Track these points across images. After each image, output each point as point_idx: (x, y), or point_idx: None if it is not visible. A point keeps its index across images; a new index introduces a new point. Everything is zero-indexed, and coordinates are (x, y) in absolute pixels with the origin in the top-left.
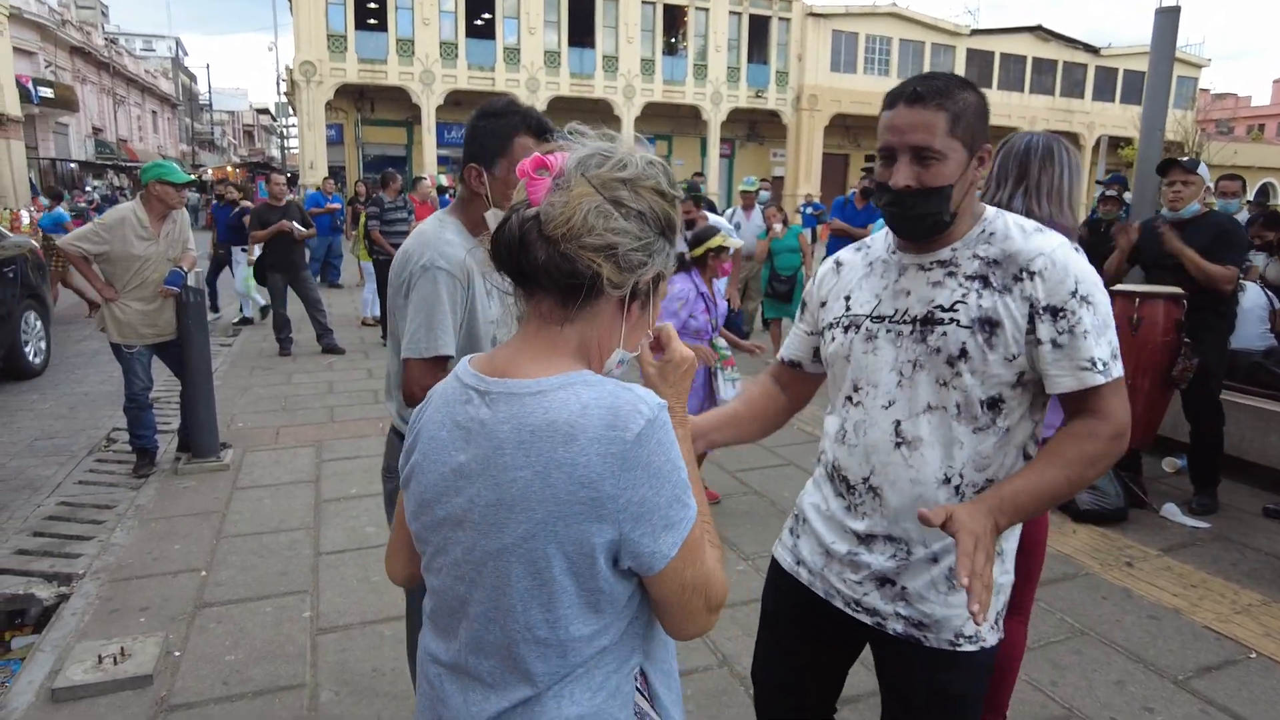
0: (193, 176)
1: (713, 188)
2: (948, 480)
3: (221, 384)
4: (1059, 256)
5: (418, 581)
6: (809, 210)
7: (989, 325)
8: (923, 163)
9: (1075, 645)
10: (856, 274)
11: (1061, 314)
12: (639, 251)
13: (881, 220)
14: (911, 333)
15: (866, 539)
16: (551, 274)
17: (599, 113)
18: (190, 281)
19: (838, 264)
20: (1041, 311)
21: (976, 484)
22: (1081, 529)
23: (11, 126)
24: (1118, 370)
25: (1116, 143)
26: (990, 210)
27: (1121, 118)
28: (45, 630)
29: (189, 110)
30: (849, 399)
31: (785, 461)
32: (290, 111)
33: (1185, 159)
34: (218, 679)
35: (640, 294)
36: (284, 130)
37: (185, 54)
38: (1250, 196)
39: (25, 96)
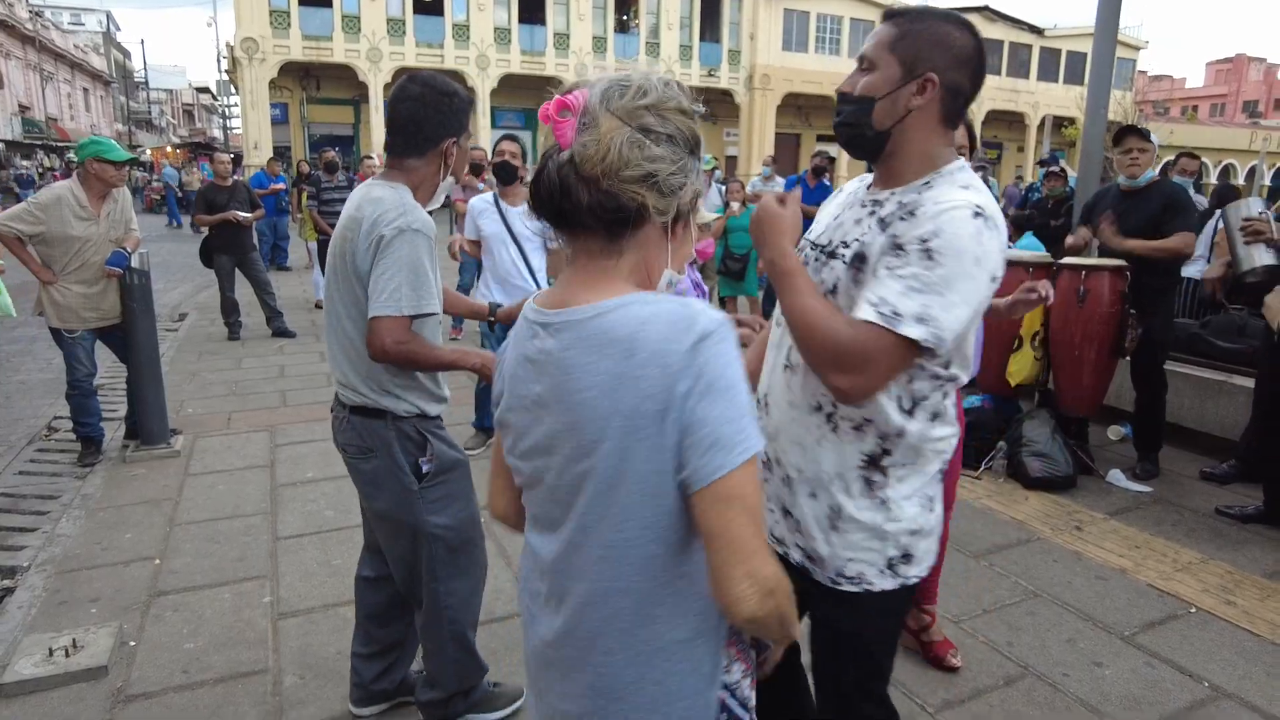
0: (131, 155)
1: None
2: (819, 408)
3: (169, 369)
4: (944, 208)
5: (519, 517)
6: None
7: (860, 260)
8: (861, 71)
9: (1029, 607)
10: (837, 201)
11: (898, 251)
12: (677, 174)
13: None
14: (817, 261)
15: (765, 462)
16: (597, 213)
17: (550, 90)
18: (134, 263)
19: (840, 190)
20: (890, 247)
21: (851, 419)
22: (1033, 496)
23: None
24: (907, 329)
25: (1060, 122)
26: (959, 167)
27: (1065, 98)
28: None
29: (124, 88)
30: (779, 319)
31: None
32: (232, 90)
33: (1140, 127)
34: (177, 667)
35: (682, 214)
36: (226, 110)
37: (117, 29)
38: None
39: None
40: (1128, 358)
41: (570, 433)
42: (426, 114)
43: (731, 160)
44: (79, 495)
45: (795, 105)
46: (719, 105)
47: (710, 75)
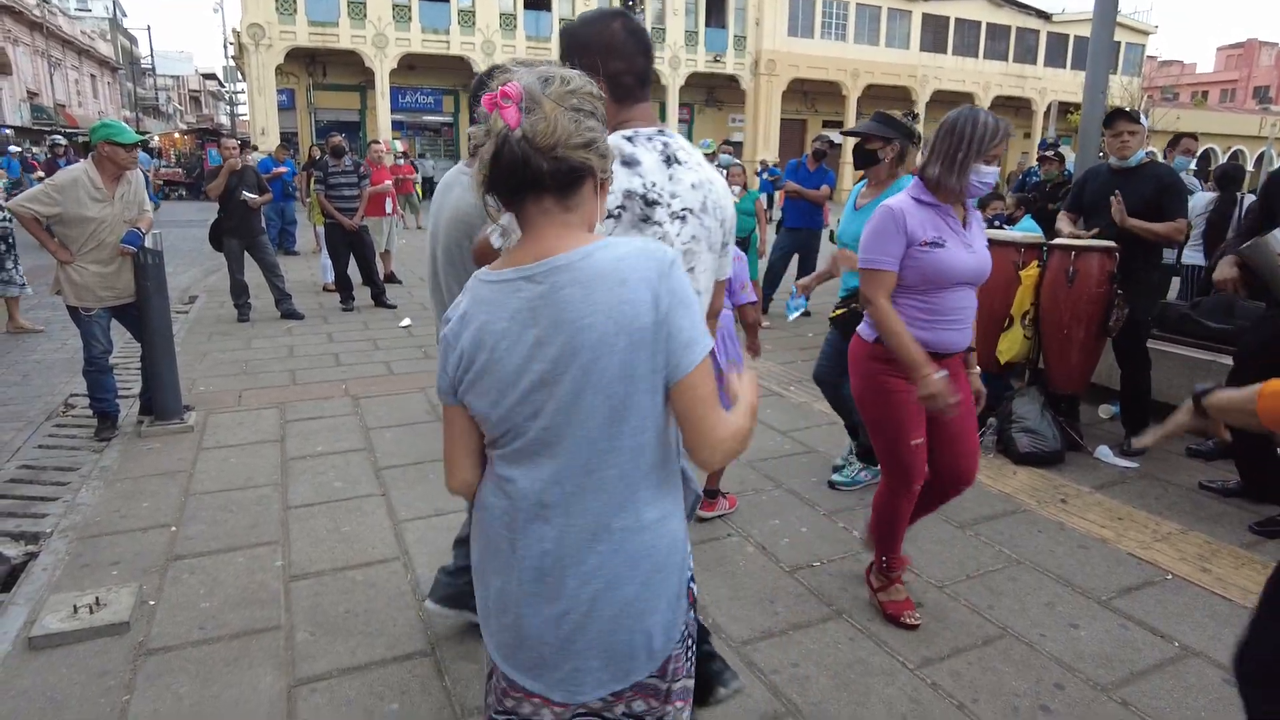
0: (141, 137)
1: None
2: None
3: (181, 349)
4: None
5: (474, 491)
6: (765, 176)
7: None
8: None
9: (1011, 573)
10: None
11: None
12: (604, 141)
13: (833, 182)
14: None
15: None
16: (555, 176)
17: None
18: (148, 242)
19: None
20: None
21: None
22: (1021, 470)
23: None
24: None
25: (1066, 108)
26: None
27: (1072, 83)
28: (15, 587)
29: (131, 74)
30: None
31: (806, 448)
32: (239, 76)
33: (1129, 109)
34: (194, 624)
35: (606, 174)
36: (233, 96)
37: (124, 15)
38: (1194, 165)
39: None
40: (1111, 337)
41: (575, 356)
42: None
43: (737, 146)
44: (97, 467)
45: (801, 91)
46: (724, 91)
47: (716, 61)
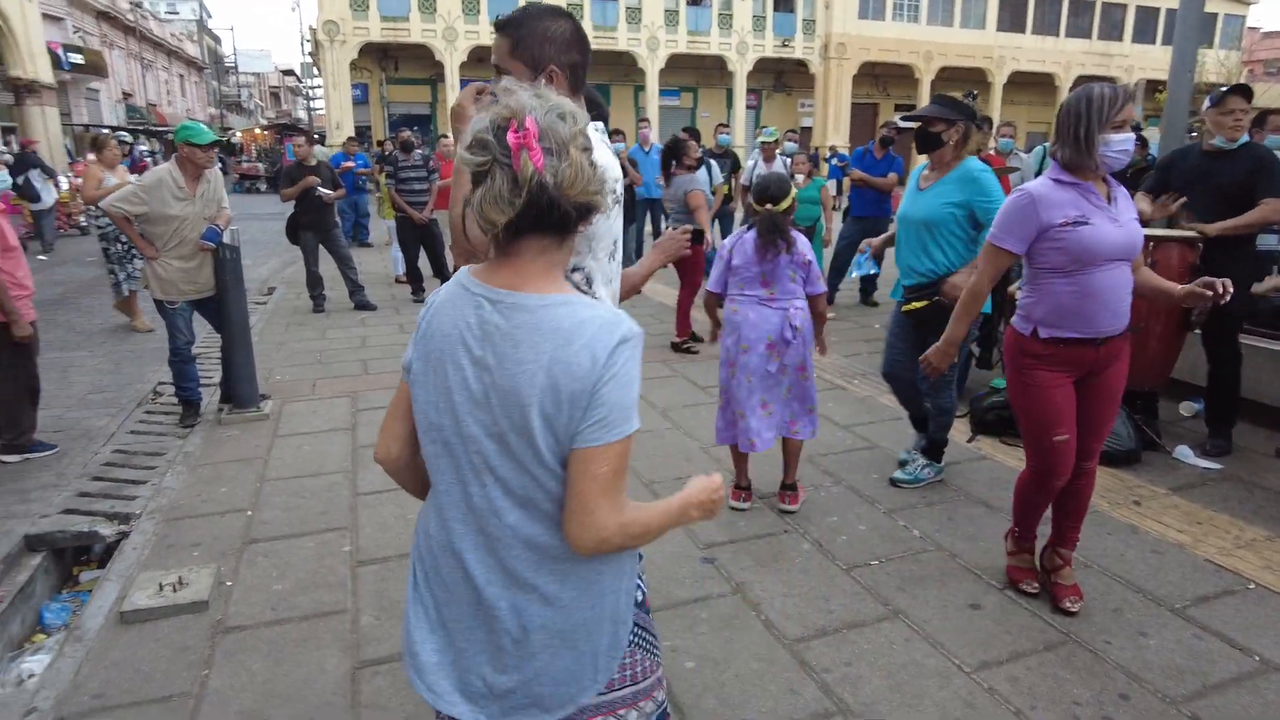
0: (217, 136)
1: (739, 140)
2: None
3: (259, 339)
4: None
5: (408, 462)
6: (834, 162)
7: None
8: (498, 76)
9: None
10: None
11: None
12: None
13: (901, 169)
14: None
15: None
16: (573, 217)
17: (622, 66)
18: (226, 239)
19: None
20: None
21: None
22: None
23: (45, 93)
24: None
25: (1155, 86)
26: None
27: (1162, 60)
28: (110, 564)
29: (215, 73)
30: None
31: (869, 444)
32: (315, 72)
33: (1247, 85)
34: (266, 605)
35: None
36: (309, 91)
37: (209, 16)
38: None
39: (56, 63)
40: (1198, 331)
41: (505, 394)
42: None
43: (806, 131)
44: (181, 453)
45: (872, 74)
46: (793, 76)
47: (784, 45)
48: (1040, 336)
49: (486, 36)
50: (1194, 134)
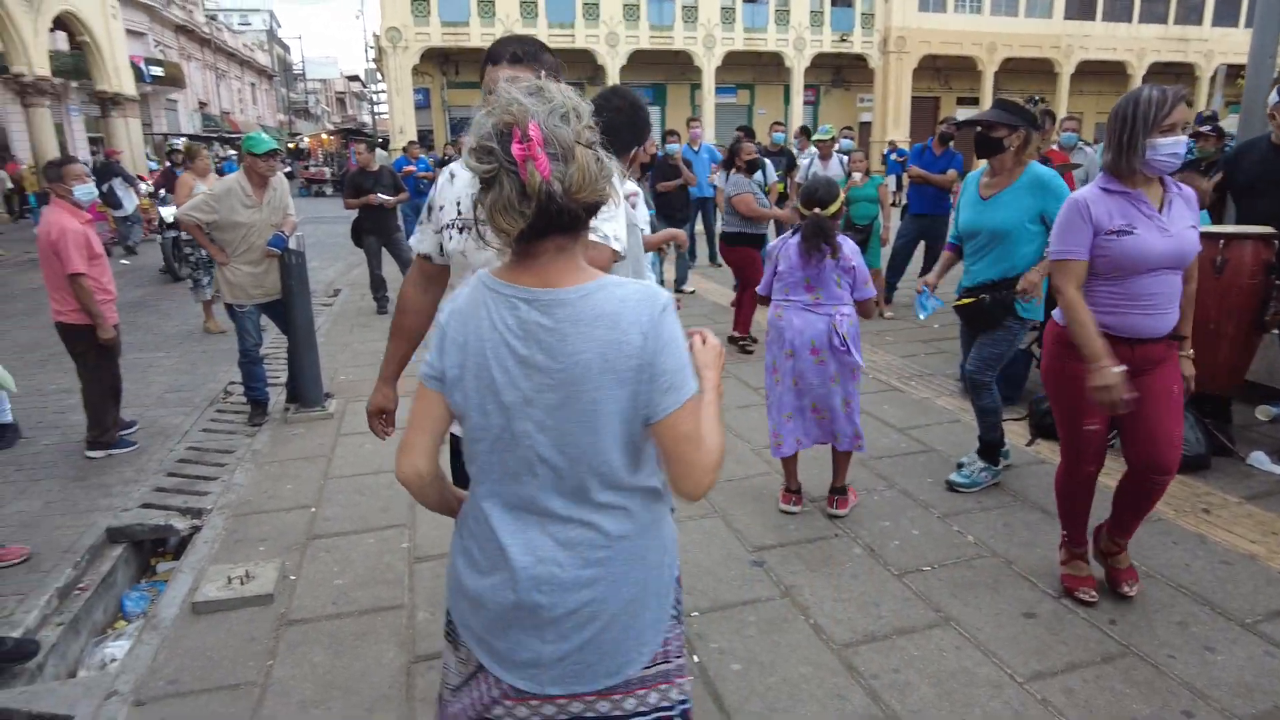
0: (275, 144)
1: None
2: None
3: (324, 340)
4: None
5: (433, 477)
6: (894, 157)
7: None
8: None
9: (1139, 587)
10: (464, 184)
11: None
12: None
13: (960, 166)
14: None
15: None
16: (583, 218)
17: (679, 64)
18: (292, 244)
19: (451, 175)
20: None
21: None
22: None
23: (129, 105)
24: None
25: (1237, 71)
26: None
27: (1246, 44)
28: (183, 556)
29: (284, 80)
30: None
31: (924, 447)
32: (379, 78)
33: None
34: (328, 599)
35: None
36: (373, 96)
37: (279, 26)
38: None
39: (138, 76)
40: (1276, 331)
41: (562, 387)
42: (623, 124)
43: (865, 126)
44: (249, 450)
45: (933, 68)
46: (851, 71)
47: (843, 40)
48: None
49: (545, 38)
50: None
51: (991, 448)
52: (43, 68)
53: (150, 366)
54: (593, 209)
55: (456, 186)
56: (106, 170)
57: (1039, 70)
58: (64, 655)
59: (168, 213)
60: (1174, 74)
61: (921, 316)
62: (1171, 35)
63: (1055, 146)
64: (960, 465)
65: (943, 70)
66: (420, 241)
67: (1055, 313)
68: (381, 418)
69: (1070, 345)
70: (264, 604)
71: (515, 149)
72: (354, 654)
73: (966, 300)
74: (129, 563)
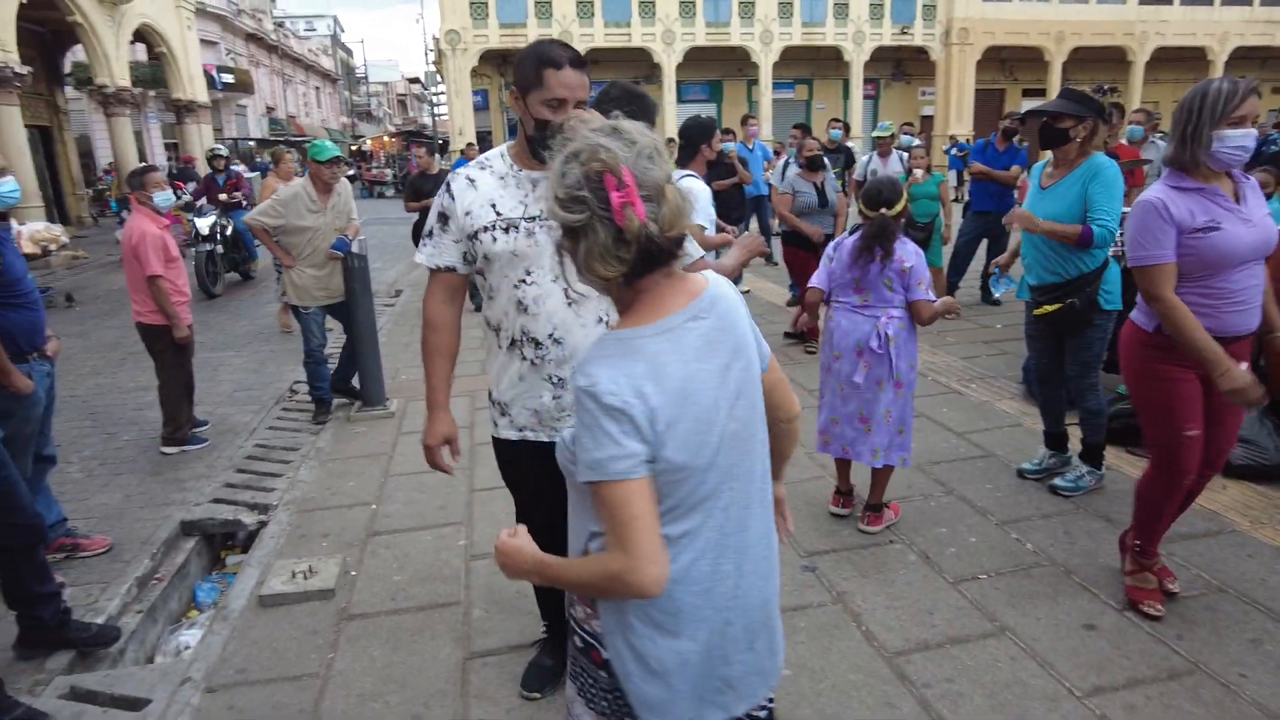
0: (338, 152)
1: (856, 132)
2: (601, 320)
3: (386, 340)
4: None
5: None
6: (954, 153)
7: None
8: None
9: (1209, 601)
10: (492, 186)
11: None
12: None
13: (1025, 161)
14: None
15: (559, 382)
16: (677, 253)
17: (736, 61)
18: (355, 248)
19: (470, 180)
20: None
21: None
22: (1232, 485)
23: (202, 112)
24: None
25: None
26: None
27: None
28: (251, 550)
29: (348, 84)
30: (522, 281)
31: (983, 452)
32: (438, 80)
33: None
34: (387, 595)
35: None
36: (433, 98)
37: (342, 31)
38: None
39: (210, 83)
40: None
41: (748, 369)
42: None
43: (927, 120)
44: (314, 448)
45: (998, 59)
46: (913, 64)
47: (903, 33)
48: (1165, 331)
49: (601, 38)
50: None
51: (1095, 450)
52: (124, 79)
53: (220, 366)
54: (682, 242)
55: (482, 190)
56: (183, 175)
57: (1110, 59)
58: (142, 641)
59: (203, 224)
60: (1259, 59)
61: (997, 293)
62: (1258, 18)
63: (1124, 140)
64: (1022, 473)
65: (1007, 62)
66: (438, 254)
67: (1134, 314)
68: (447, 448)
69: (1161, 348)
70: (326, 598)
71: (614, 197)
72: (411, 649)
73: (1050, 307)
74: (201, 555)
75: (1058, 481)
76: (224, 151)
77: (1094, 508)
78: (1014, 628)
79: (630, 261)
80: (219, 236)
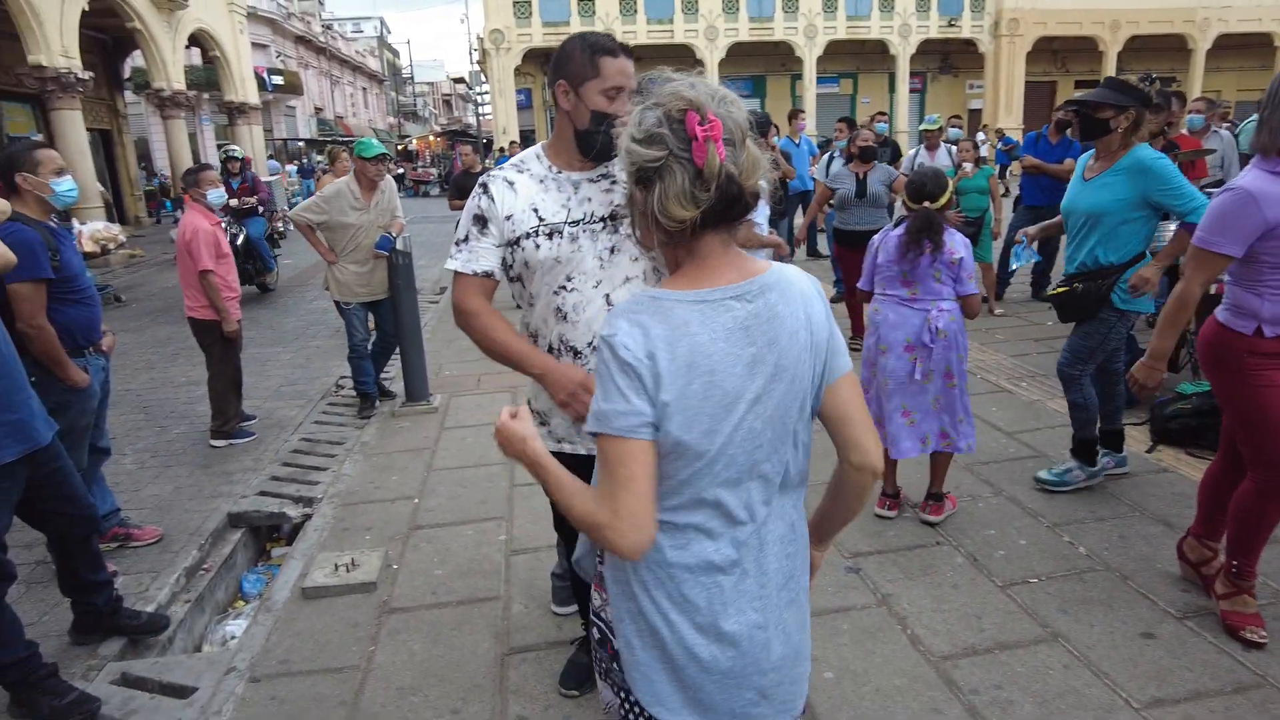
0: (383, 149)
1: (901, 126)
2: (608, 309)
3: (430, 337)
4: None
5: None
6: (1000, 147)
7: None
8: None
9: (1277, 611)
10: (533, 190)
11: None
12: None
13: (1079, 154)
14: (603, 229)
15: None
16: (749, 206)
17: (779, 55)
18: (399, 245)
19: (509, 183)
20: None
21: None
22: None
23: (253, 113)
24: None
25: None
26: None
27: None
28: (295, 543)
29: (394, 84)
30: (562, 288)
31: (1033, 452)
32: (483, 79)
33: None
34: (428, 589)
35: None
36: (478, 98)
37: (388, 32)
38: None
39: (261, 85)
40: None
41: (784, 371)
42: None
43: (975, 114)
44: (358, 442)
45: (1049, 50)
46: (961, 57)
47: (951, 25)
48: (1266, 335)
49: (644, 35)
50: None
51: (1086, 446)
52: (179, 82)
53: (269, 361)
54: (756, 199)
55: (522, 194)
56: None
57: (1169, 48)
58: (190, 630)
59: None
60: None
61: (1013, 266)
62: None
63: (1184, 130)
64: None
65: (1059, 52)
66: (475, 259)
67: (1222, 315)
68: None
69: (1264, 355)
70: (367, 591)
71: (698, 130)
72: (450, 643)
73: (1060, 289)
74: (247, 546)
75: (1041, 474)
76: (238, 153)
77: (1152, 511)
78: (1066, 634)
79: (707, 203)
80: (232, 246)
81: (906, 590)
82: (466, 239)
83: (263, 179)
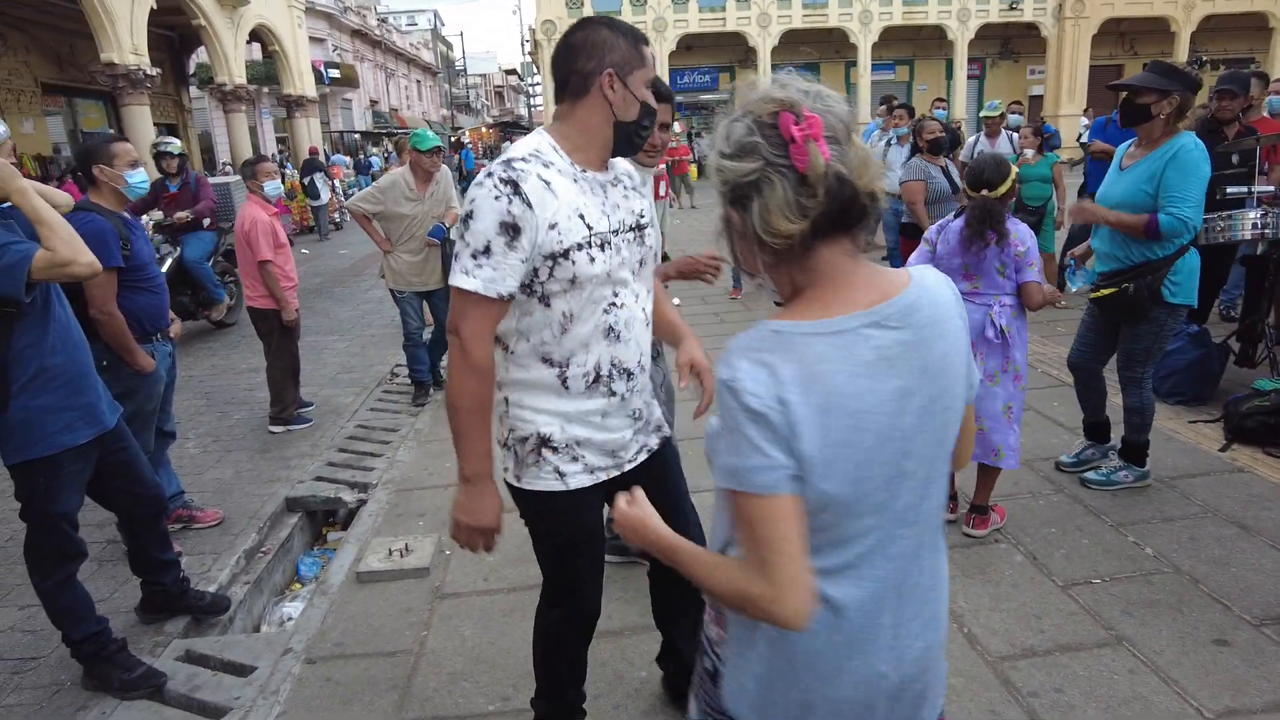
0: (438, 141)
1: (959, 113)
2: (647, 324)
3: None
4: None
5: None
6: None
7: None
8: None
9: None
10: (572, 191)
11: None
12: None
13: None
14: (635, 239)
15: (638, 415)
16: (868, 210)
17: (833, 43)
18: (452, 235)
19: (546, 183)
20: None
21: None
22: None
23: (310, 106)
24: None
25: None
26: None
27: None
28: (350, 527)
29: (447, 76)
30: (612, 304)
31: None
32: (535, 70)
33: None
34: (479, 575)
35: None
36: (530, 89)
37: (442, 24)
38: None
39: (318, 78)
40: None
41: (938, 401)
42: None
43: (1036, 100)
44: (412, 429)
45: (1116, 32)
46: (1022, 42)
47: (1012, 9)
48: None
49: (696, 24)
50: None
51: (1136, 449)
52: (240, 77)
53: (325, 349)
54: (875, 202)
55: (562, 197)
56: (310, 166)
57: (1248, 26)
58: (249, 611)
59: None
60: None
61: (1073, 289)
62: None
63: (1265, 114)
64: (1059, 465)
65: (1127, 35)
66: (501, 279)
67: None
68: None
69: None
70: (420, 577)
71: (794, 130)
72: (500, 630)
73: (1107, 290)
74: (304, 530)
75: (1089, 474)
76: (175, 148)
77: (1225, 512)
78: (1132, 638)
79: (816, 210)
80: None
81: (964, 588)
82: (488, 250)
83: (325, 170)
